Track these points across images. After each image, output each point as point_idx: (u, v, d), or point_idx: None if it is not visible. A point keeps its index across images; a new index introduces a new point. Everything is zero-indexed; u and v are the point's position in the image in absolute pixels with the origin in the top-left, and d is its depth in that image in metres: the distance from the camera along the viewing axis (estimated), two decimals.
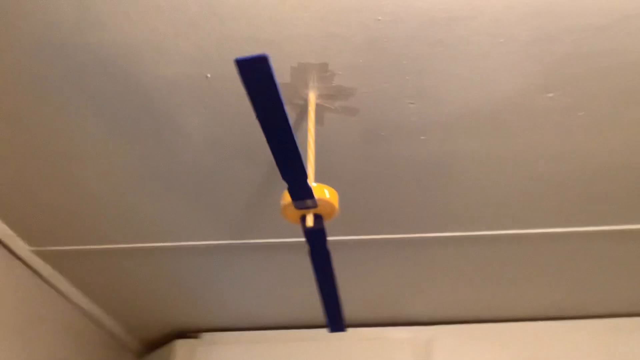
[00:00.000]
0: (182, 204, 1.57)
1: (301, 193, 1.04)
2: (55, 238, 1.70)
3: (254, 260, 1.82)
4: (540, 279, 1.90)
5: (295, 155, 0.95)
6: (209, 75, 1.19)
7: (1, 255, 1.69)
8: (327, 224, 1.12)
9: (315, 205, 1.08)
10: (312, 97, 1.23)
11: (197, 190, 1.52)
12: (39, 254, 1.77)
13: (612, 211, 1.56)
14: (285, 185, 1.02)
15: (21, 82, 1.19)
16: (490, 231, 1.65)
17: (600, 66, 1.14)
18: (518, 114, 1.26)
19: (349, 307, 2.01)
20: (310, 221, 1.10)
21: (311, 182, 1.10)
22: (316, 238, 1.15)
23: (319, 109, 1.27)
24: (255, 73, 0.80)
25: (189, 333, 2.28)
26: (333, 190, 1.11)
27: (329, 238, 1.16)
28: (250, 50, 1.12)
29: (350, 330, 2.21)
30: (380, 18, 1.06)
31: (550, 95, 1.21)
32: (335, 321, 1.39)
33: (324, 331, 2.17)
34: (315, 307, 1.96)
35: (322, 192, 1.08)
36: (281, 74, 1.17)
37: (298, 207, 1.06)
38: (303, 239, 1.15)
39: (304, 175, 1.00)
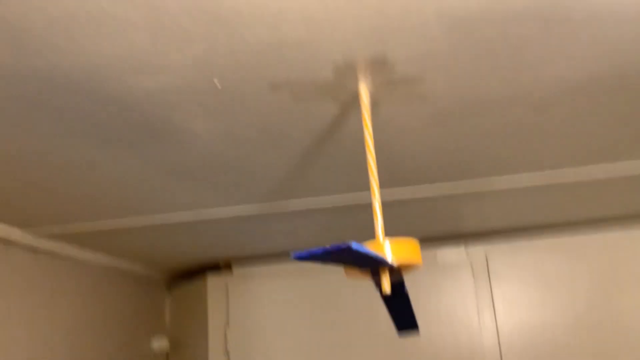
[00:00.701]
0: (204, 188, 1.28)
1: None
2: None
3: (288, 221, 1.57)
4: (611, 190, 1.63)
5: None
6: (219, 86, 0.85)
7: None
8: None
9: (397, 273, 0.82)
10: (365, 91, 0.89)
11: (218, 175, 1.22)
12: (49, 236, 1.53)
13: None
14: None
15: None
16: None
17: None
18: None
19: (397, 225, 1.79)
20: (387, 287, 0.83)
21: (382, 231, 0.82)
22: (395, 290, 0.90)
23: (374, 101, 0.93)
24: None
25: (221, 265, 2.09)
26: (411, 242, 0.82)
27: None
28: (276, 56, 0.77)
29: None
30: None
31: None
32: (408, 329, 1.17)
33: None
34: (356, 236, 1.74)
35: (401, 253, 0.80)
36: (320, 70, 0.83)
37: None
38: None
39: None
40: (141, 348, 2.09)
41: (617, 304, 1.86)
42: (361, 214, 1.54)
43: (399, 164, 1.25)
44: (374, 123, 1.00)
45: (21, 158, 1.06)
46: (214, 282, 2.06)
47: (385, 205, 1.47)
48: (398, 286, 0.93)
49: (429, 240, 2.02)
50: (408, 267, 0.85)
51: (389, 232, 1.89)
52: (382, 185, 1.37)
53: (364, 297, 1.97)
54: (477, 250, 1.97)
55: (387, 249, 0.80)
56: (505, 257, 1.95)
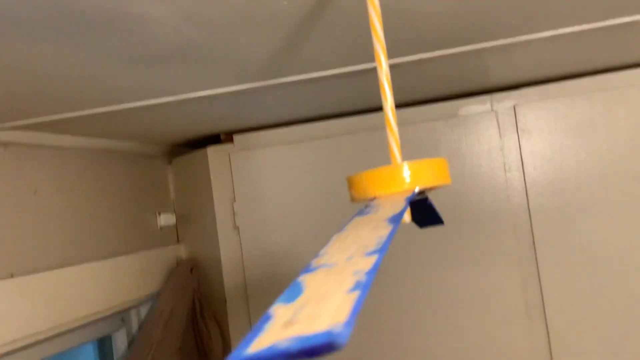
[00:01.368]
0: (181, 75, 1.06)
1: None
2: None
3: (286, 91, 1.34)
4: None
5: None
6: None
7: None
8: None
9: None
10: None
11: (193, 62, 0.99)
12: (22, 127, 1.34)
13: None
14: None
15: None
16: None
17: None
18: None
19: (412, 84, 1.57)
20: (407, 218, 0.64)
21: (398, 153, 0.62)
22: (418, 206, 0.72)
23: None
24: None
25: (222, 138, 1.91)
26: (437, 162, 0.62)
27: None
28: None
29: (418, 109, 1.80)
30: None
31: None
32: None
33: (381, 117, 1.79)
34: (371, 90, 1.53)
35: (424, 177, 0.60)
36: None
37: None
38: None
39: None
40: (148, 226, 1.98)
41: None
42: (371, 78, 1.32)
43: (413, 29, 1.00)
44: None
45: None
46: (215, 155, 1.89)
47: (396, 66, 1.24)
48: (421, 203, 0.74)
49: (451, 97, 1.80)
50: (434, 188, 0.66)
51: (405, 91, 1.67)
52: (395, 53, 1.14)
53: (379, 155, 1.79)
54: (505, 103, 1.75)
55: (406, 174, 0.60)
56: (535, 108, 1.73)
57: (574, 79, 1.73)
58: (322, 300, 0.27)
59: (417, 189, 0.60)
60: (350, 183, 0.64)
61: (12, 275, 1.39)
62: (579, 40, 1.28)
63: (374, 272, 0.30)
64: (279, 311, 0.27)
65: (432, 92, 1.73)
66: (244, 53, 0.99)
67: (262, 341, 0.23)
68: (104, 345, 1.86)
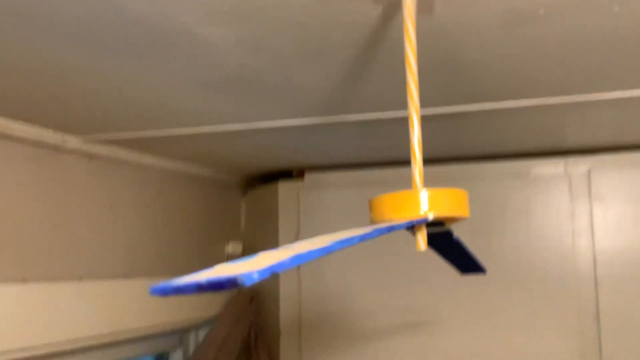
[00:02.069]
0: (246, 102, 1.13)
1: None
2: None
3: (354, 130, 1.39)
4: None
5: None
6: None
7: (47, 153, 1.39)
8: None
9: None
10: None
11: (256, 89, 1.06)
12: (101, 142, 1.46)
13: None
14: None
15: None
16: None
17: None
18: None
19: (486, 140, 1.58)
20: (422, 244, 0.66)
21: (420, 178, 0.65)
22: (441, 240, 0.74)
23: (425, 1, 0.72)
24: None
25: (294, 173, 1.98)
26: (457, 193, 0.64)
27: None
28: None
29: (489, 165, 1.80)
30: None
31: None
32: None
33: (455, 168, 1.80)
34: (444, 138, 1.55)
35: (443, 206, 0.62)
36: None
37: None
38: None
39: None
40: (215, 251, 2.06)
41: None
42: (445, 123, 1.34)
43: (472, 76, 1.03)
44: (429, 28, 0.79)
45: (31, 70, 0.95)
46: (285, 190, 1.96)
47: (462, 115, 1.26)
48: (444, 236, 0.76)
49: (523, 155, 1.79)
50: (452, 219, 0.67)
51: (473, 144, 1.67)
52: (455, 100, 1.17)
53: None
54: (578, 165, 1.72)
55: (424, 200, 0.63)
56: (610, 175, 1.69)
57: None
58: (258, 262, 0.30)
59: (430, 216, 0.61)
60: (371, 206, 0.67)
61: (80, 279, 1.49)
62: None
63: (315, 254, 0.33)
64: (219, 267, 0.30)
65: (504, 148, 1.72)
66: (306, 85, 1.04)
67: (188, 278, 0.27)
68: None
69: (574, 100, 1.18)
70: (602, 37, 0.86)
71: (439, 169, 1.83)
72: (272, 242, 1.99)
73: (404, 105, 0.71)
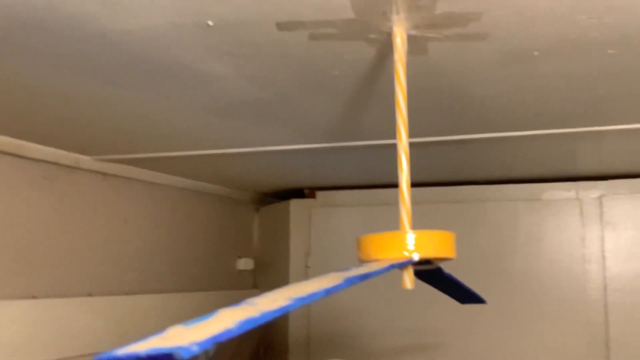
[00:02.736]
0: (254, 129, 1.15)
1: None
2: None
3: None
4: None
5: None
6: (210, 23, 0.69)
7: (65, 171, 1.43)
8: None
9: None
10: (400, 32, 0.69)
11: (262, 117, 1.08)
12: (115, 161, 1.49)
13: None
14: None
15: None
16: None
17: None
18: None
19: (498, 165, 1.58)
20: (408, 283, 0.67)
21: (408, 219, 0.66)
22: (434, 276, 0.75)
23: (417, 40, 0.73)
24: None
25: (306, 193, 1.99)
26: (443, 235, 0.65)
27: None
28: None
29: (500, 187, 1.79)
30: None
31: None
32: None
33: (468, 189, 1.80)
34: (456, 162, 1.56)
35: (428, 247, 0.63)
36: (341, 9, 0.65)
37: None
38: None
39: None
40: (227, 267, 2.08)
41: None
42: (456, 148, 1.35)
43: (479, 108, 1.04)
44: (424, 66, 0.81)
45: (46, 97, 0.98)
46: (297, 208, 1.97)
47: (473, 142, 1.26)
48: (436, 272, 0.76)
49: (535, 180, 1.78)
50: (440, 259, 0.68)
51: (485, 168, 1.67)
52: (464, 129, 1.18)
53: (455, 227, 1.79)
54: (591, 192, 1.71)
55: (410, 242, 0.64)
56: (622, 201, 1.68)
57: None
58: (208, 326, 0.32)
59: (416, 256, 0.62)
60: (359, 244, 0.68)
61: (90, 295, 1.51)
62: None
63: (274, 314, 0.34)
64: (172, 330, 0.32)
65: (515, 172, 1.72)
66: (310, 114, 1.06)
67: (131, 348, 0.29)
68: None
69: (581, 130, 1.18)
70: (602, 73, 0.86)
71: (451, 191, 1.84)
72: (283, 259, 2.01)
73: (389, 135, 0.72)
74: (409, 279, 0.66)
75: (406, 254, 0.63)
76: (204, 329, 0.32)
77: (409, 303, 1.81)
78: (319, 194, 1.95)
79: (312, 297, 0.41)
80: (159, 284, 1.76)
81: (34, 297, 1.35)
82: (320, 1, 0.63)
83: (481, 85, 0.92)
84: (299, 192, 2.03)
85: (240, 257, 2.12)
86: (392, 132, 1.09)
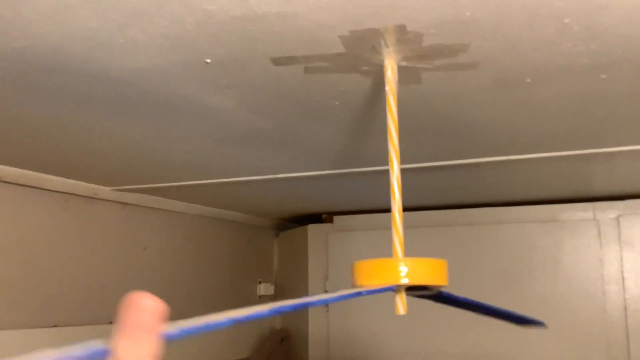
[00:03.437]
0: (262, 156, 1.18)
1: None
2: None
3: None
4: None
5: None
6: (208, 61, 0.72)
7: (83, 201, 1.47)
8: None
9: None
10: (391, 63, 0.71)
11: (267, 145, 1.11)
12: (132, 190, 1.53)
13: None
14: None
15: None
16: None
17: None
18: None
19: (513, 186, 1.58)
20: (400, 309, 0.68)
21: (400, 246, 0.67)
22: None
23: (410, 70, 0.75)
24: None
25: (323, 218, 2.01)
26: (436, 263, 0.66)
27: None
28: (263, 29, 0.63)
29: (517, 209, 1.79)
30: None
31: None
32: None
33: (485, 212, 1.80)
34: (469, 186, 1.56)
35: (420, 274, 0.65)
36: (331, 44, 0.67)
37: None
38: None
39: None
40: (248, 293, 2.10)
41: None
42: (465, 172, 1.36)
43: (481, 133, 1.05)
44: (419, 95, 0.82)
45: (61, 131, 1.02)
46: (314, 233, 1.99)
47: (484, 165, 1.27)
48: (439, 296, 0.76)
49: (551, 201, 1.78)
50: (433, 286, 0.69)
51: (498, 190, 1.67)
52: (471, 153, 1.19)
53: (472, 250, 1.79)
54: (608, 212, 1.70)
55: (403, 270, 0.65)
56: None
57: None
58: None
59: (405, 280, 0.64)
60: (353, 269, 0.69)
61: (111, 322, 1.55)
62: None
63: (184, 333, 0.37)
64: None
65: (531, 194, 1.72)
66: (313, 142, 1.08)
67: None
68: None
69: (586, 152, 1.18)
70: (599, 96, 0.87)
71: (468, 213, 1.84)
72: (302, 284, 2.02)
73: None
74: (401, 304, 0.68)
75: (399, 281, 0.64)
76: None
77: (428, 327, 1.81)
78: (336, 218, 1.97)
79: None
80: (180, 311, 1.77)
81: (55, 326, 1.38)
82: (310, 37, 0.66)
83: (480, 109, 0.93)
84: (317, 217, 2.05)
85: (260, 282, 2.14)
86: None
